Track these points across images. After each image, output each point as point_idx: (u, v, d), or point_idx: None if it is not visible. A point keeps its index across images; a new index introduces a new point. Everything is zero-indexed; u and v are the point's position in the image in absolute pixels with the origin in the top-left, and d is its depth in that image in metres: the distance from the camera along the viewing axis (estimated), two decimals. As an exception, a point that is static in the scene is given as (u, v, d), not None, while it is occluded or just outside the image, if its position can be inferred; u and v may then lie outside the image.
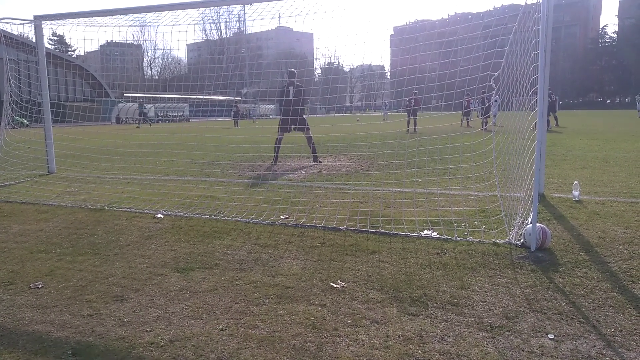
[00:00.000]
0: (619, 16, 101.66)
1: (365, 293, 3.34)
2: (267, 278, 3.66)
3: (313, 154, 10.61)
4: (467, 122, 21.48)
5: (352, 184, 7.58)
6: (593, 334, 2.71)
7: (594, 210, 5.51)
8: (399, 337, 2.70)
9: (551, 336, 2.67)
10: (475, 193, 6.40)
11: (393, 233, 4.76)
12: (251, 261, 4.06)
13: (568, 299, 3.18)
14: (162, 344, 2.67)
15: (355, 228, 4.96)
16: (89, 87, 57.41)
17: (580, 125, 24.00)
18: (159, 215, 5.74)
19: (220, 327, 2.86)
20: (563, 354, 2.48)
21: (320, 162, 10.47)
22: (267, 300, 3.24)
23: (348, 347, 2.61)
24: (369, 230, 4.88)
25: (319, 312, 3.05)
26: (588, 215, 5.29)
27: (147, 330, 2.83)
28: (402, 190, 6.87)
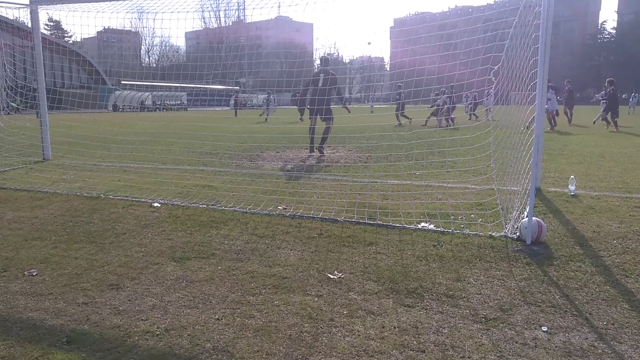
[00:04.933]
0: (618, 12, 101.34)
1: (362, 284, 3.35)
2: (264, 268, 3.66)
3: (320, 145, 10.28)
4: (470, 115, 21.18)
5: (351, 175, 7.58)
6: (586, 326, 2.73)
7: (589, 204, 5.53)
8: (394, 328, 2.72)
9: (545, 328, 2.69)
10: (473, 186, 6.41)
11: (390, 225, 4.77)
12: (248, 251, 4.06)
13: (562, 292, 3.20)
14: (157, 332, 2.67)
15: (353, 219, 4.97)
16: (85, 74, 57.03)
17: (576, 120, 23.99)
18: (156, 204, 5.73)
19: (217, 316, 2.87)
20: (556, 346, 2.50)
21: (323, 155, 10.25)
22: (263, 291, 3.25)
23: (344, 337, 2.62)
24: (367, 222, 4.89)
25: (316, 302, 3.06)
26: (583, 209, 5.31)
27: (142, 319, 2.84)
28: (400, 183, 6.87)
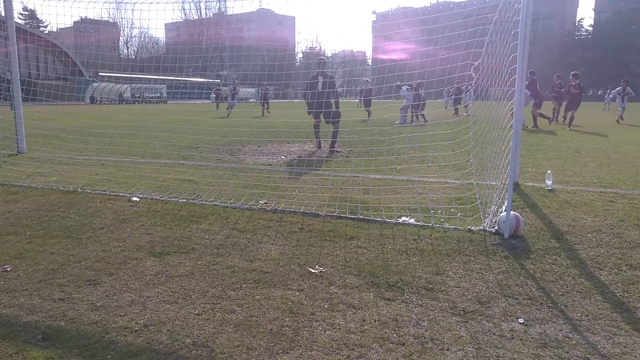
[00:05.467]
0: (595, 10, 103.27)
1: (343, 278, 3.36)
2: (244, 263, 3.65)
3: (331, 148, 9.80)
4: (456, 110, 20.98)
5: (332, 170, 7.59)
6: (561, 318, 2.79)
7: (565, 199, 5.64)
8: (375, 321, 2.74)
9: (521, 320, 2.75)
10: (453, 181, 6.48)
11: (371, 219, 4.80)
12: (229, 246, 4.04)
13: (538, 285, 3.26)
14: (136, 328, 2.64)
15: (334, 214, 4.98)
16: (61, 65, 55.76)
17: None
18: (135, 198, 5.65)
19: (197, 311, 2.85)
20: (532, 338, 2.55)
21: (339, 151, 9.76)
22: (244, 285, 3.23)
23: (325, 331, 2.63)
24: (348, 216, 4.91)
25: (297, 297, 3.07)
26: (559, 204, 5.42)
27: (120, 315, 2.80)
28: (381, 177, 6.91)
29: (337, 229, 4.52)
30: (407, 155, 8.13)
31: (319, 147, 10.28)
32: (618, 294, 3.11)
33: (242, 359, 2.36)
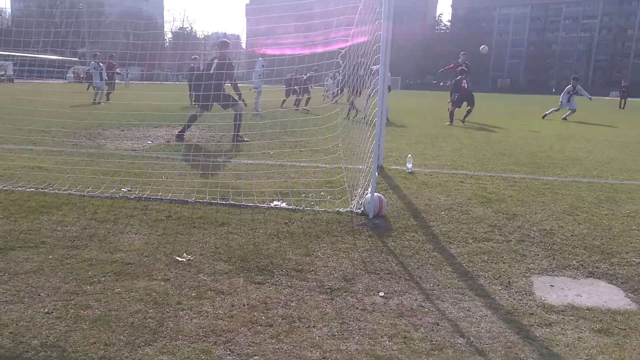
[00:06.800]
0: (452, 6, 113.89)
1: (212, 265, 3.29)
2: (104, 255, 3.38)
3: (235, 133, 8.67)
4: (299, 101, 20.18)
5: (202, 155, 7.36)
6: (416, 289, 3.04)
7: (423, 180, 6.15)
8: (244, 305, 2.72)
9: (382, 294, 2.94)
10: (323, 165, 6.68)
11: (243, 205, 4.75)
12: (86, 237, 3.71)
13: (398, 260, 3.51)
14: (-31, 335, 2.31)
15: (205, 200, 4.84)
16: None
17: (416, 105, 26.50)
18: (-30, 189, 4.92)
19: (46, 310, 2.58)
20: (390, 309, 2.75)
21: (247, 141, 8.79)
22: (103, 279, 3.00)
23: (191, 319, 2.55)
24: (219, 202, 4.81)
25: (162, 287, 2.93)
26: (418, 185, 5.89)
27: (-51, 321, 2.43)
28: (253, 162, 6.87)
29: (207, 215, 4.40)
30: (280, 140, 8.19)
31: (183, 132, 9.00)
32: (464, 265, 3.48)
33: (99, 356, 2.19)
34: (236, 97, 8.73)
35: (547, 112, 18.79)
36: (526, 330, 2.58)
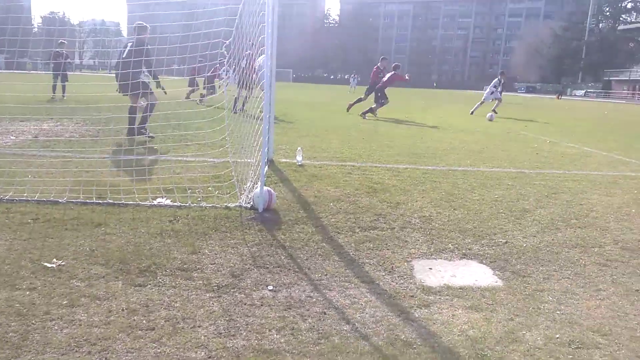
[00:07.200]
0: (340, 0, 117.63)
1: (87, 270, 3.03)
2: (-47, 266, 2.96)
3: (140, 124, 7.81)
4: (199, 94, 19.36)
5: (76, 151, 6.76)
6: (305, 280, 3.07)
7: (313, 173, 6.25)
8: (122, 310, 2.55)
9: (270, 287, 2.93)
10: (211, 159, 6.50)
11: (122, 203, 4.45)
12: None
13: (287, 253, 3.53)
14: None
15: (78, 200, 4.45)
16: None
17: (308, 98, 26.88)
18: None
19: None
20: (279, 302, 2.75)
21: (152, 136, 8.01)
22: (-49, 294, 2.62)
23: (62, 330, 2.33)
24: (95, 201, 4.45)
25: (27, 297, 2.64)
26: (308, 177, 5.97)
27: None
28: (134, 158, 6.45)
29: (82, 216, 4.05)
30: (163, 134, 7.80)
31: (132, 134, 7.80)
32: (351, 253, 3.59)
33: (-55, 384, 1.91)
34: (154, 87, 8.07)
35: (473, 108, 19.49)
36: (407, 312, 2.73)
